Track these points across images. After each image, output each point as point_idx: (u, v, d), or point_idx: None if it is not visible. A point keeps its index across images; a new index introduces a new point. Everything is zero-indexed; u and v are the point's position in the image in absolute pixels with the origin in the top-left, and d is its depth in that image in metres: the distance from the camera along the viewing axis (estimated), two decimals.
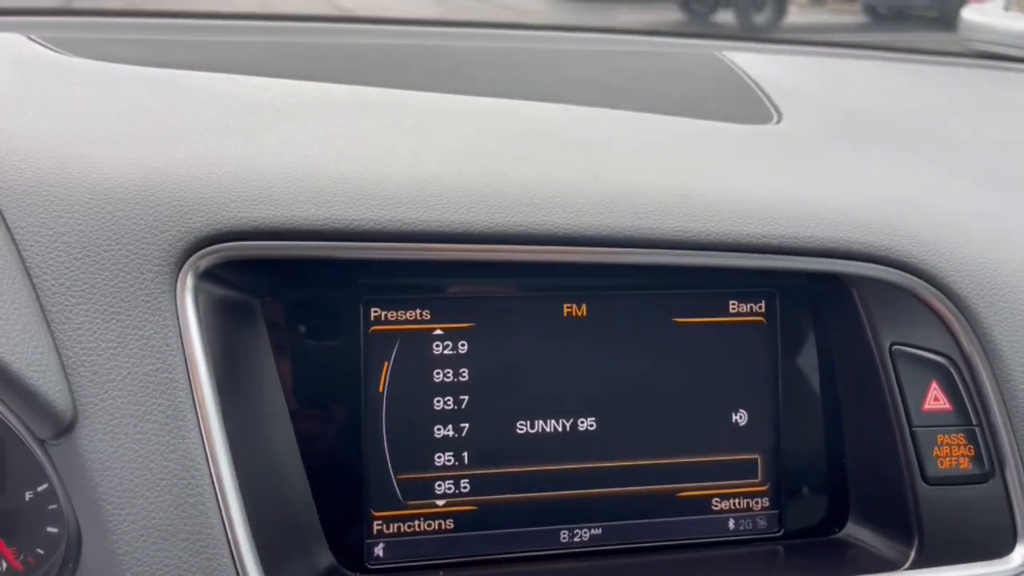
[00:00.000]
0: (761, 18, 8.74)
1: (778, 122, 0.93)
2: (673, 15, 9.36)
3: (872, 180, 0.79)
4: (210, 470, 0.55)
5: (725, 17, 9.08)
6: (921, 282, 0.68)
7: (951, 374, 0.68)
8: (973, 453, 0.68)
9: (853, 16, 10.00)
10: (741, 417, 0.71)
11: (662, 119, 0.88)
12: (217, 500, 0.55)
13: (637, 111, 0.90)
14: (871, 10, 9.77)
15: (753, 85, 1.05)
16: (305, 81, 0.84)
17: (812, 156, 0.85)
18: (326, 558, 0.63)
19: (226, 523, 0.55)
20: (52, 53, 0.85)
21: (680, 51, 1.31)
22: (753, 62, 1.13)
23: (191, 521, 0.55)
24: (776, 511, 0.71)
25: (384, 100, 0.83)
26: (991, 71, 1.35)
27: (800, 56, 1.34)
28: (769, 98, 1.00)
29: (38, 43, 0.87)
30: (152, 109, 0.72)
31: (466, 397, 0.67)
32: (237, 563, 0.55)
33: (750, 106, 0.98)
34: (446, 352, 0.67)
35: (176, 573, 0.54)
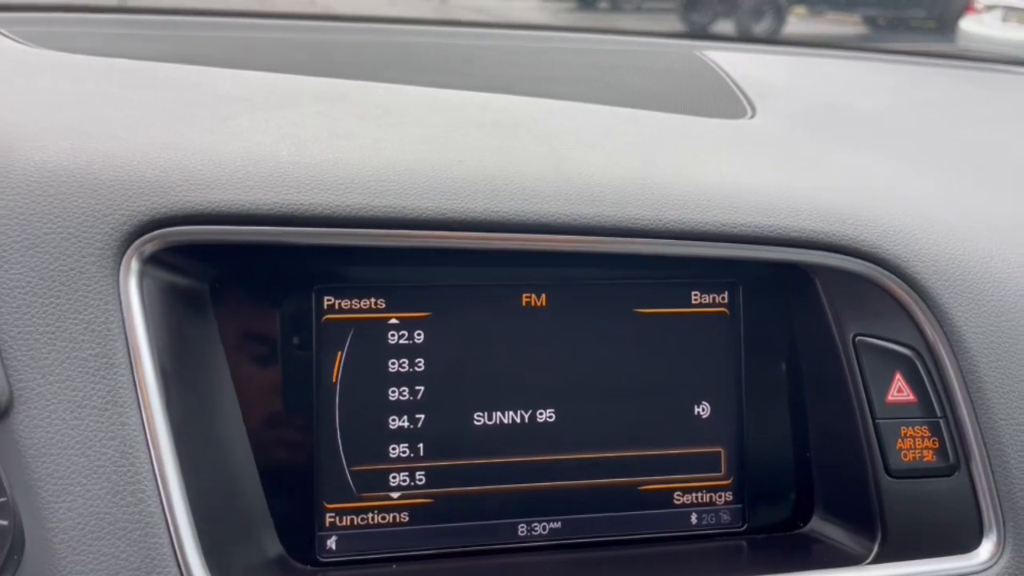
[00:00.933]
0: (760, 29, 8.76)
1: (751, 117, 0.92)
2: (672, 26, 9.38)
3: (838, 172, 0.79)
4: (151, 457, 0.54)
5: (724, 28, 9.10)
6: (885, 272, 0.67)
7: (915, 365, 0.67)
8: (937, 446, 0.66)
9: (853, 27, 10.02)
10: (704, 410, 0.70)
11: (632, 112, 0.87)
12: (158, 488, 0.54)
13: (607, 104, 0.89)
14: (871, 21, 9.79)
15: (730, 82, 1.04)
16: (277, 74, 0.84)
17: (780, 149, 0.84)
18: (275, 550, 0.62)
19: (167, 512, 0.54)
20: (18, 45, 0.85)
21: (660, 50, 1.30)
22: (734, 61, 1.12)
23: (129, 510, 0.53)
24: (739, 506, 0.70)
25: (355, 93, 0.82)
26: (974, 71, 1.34)
27: (782, 56, 1.34)
28: (744, 94, 0.99)
29: (4, 35, 0.86)
30: (115, 98, 0.72)
31: (422, 388, 0.66)
32: (178, 553, 0.54)
33: (724, 102, 0.97)
34: (401, 342, 0.66)
35: (114, 564, 0.53)
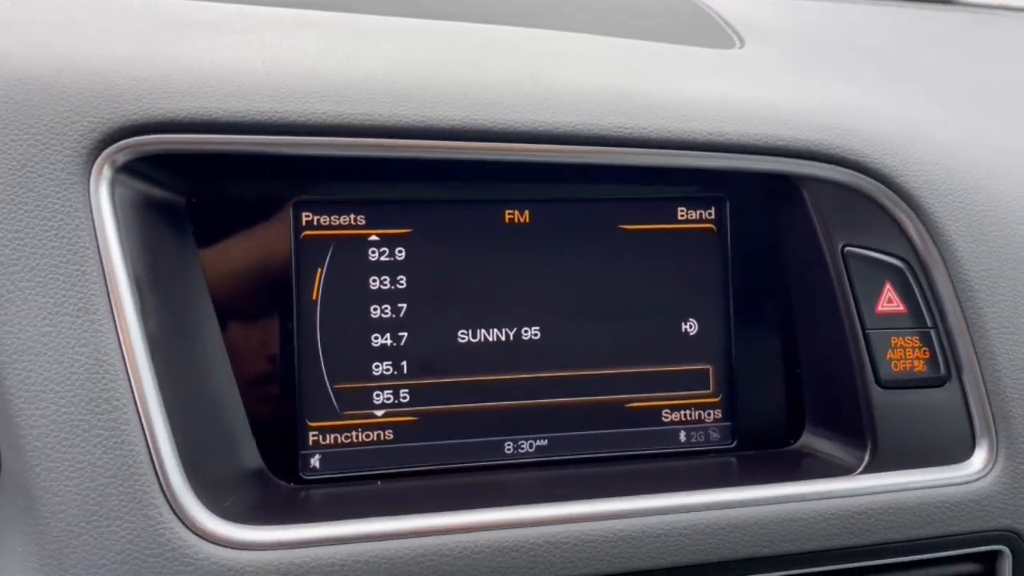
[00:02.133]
0: None
1: (740, 48, 0.91)
2: None
3: (828, 91, 0.77)
4: (126, 366, 0.53)
5: None
6: (874, 182, 0.66)
7: (905, 276, 0.66)
8: (928, 356, 0.65)
9: None
10: (691, 327, 0.69)
11: (616, 39, 0.86)
12: (133, 396, 0.53)
13: (592, 34, 0.87)
14: None
15: (719, 18, 1.02)
16: (247, 5, 0.82)
17: (769, 74, 0.82)
18: (257, 466, 0.61)
19: (143, 419, 0.53)
20: None
21: None
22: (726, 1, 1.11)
23: (104, 417, 0.52)
24: (728, 423, 0.69)
25: (335, 21, 0.80)
26: (970, 14, 1.32)
27: None
28: (733, 28, 0.98)
29: None
30: (83, 21, 0.70)
31: (404, 305, 0.65)
32: (155, 460, 0.53)
33: (713, 34, 0.95)
34: (382, 259, 0.65)
35: (89, 471, 0.52)
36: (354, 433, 0.64)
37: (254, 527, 0.54)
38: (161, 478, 0.53)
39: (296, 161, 0.62)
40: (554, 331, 0.67)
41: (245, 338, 0.62)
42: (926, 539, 0.62)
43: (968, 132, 0.74)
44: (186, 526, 0.53)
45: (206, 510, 0.53)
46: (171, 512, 0.53)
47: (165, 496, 0.53)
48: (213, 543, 0.53)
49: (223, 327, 0.62)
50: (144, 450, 0.53)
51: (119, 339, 0.54)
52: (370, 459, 0.64)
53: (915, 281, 0.66)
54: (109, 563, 0.52)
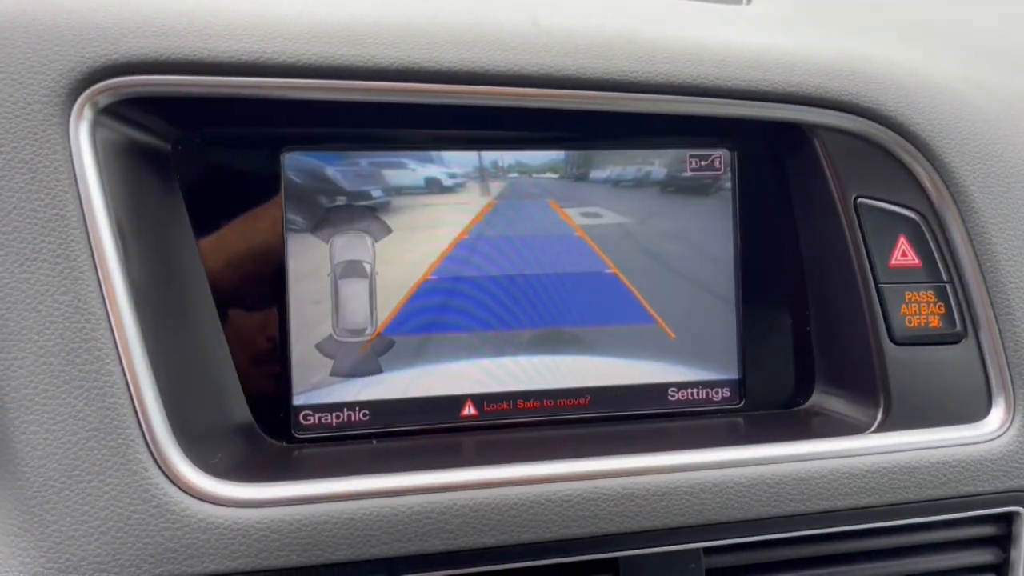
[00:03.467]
0: None
1: (748, 4, 0.88)
2: None
3: (839, 41, 0.74)
4: (107, 314, 0.51)
5: None
6: (888, 131, 0.63)
7: (920, 228, 0.63)
8: (943, 311, 0.63)
9: None
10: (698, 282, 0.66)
11: None
12: (116, 345, 0.51)
13: None
14: None
15: None
16: None
17: (778, 25, 0.80)
18: (247, 423, 0.59)
19: (126, 370, 0.51)
20: None
21: None
22: None
23: (85, 368, 0.50)
24: (737, 380, 0.67)
25: None
26: None
27: None
28: None
29: None
30: None
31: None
32: (139, 414, 0.51)
33: None
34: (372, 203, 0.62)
35: (71, 423, 0.50)
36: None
37: (242, 484, 0.52)
38: (146, 431, 0.51)
39: (286, 108, 0.59)
40: (555, 284, 0.64)
41: (234, 290, 0.60)
42: (940, 499, 0.60)
43: (985, 84, 0.71)
44: (171, 481, 0.51)
45: (192, 466, 0.51)
46: (156, 467, 0.51)
47: (150, 450, 0.51)
48: (199, 499, 0.51)
49: (210, 278, 0.59)
50: (128, 402, 0.51)
51: (101, 286, 0.51)
52: (366, 418, 0.62)
53: (930, 234, 0.63)
54: (91, 519, 0.49)
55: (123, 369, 0.51)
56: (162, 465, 0.51)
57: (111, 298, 0.51)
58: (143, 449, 0.51)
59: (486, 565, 0.54)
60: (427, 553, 0.53)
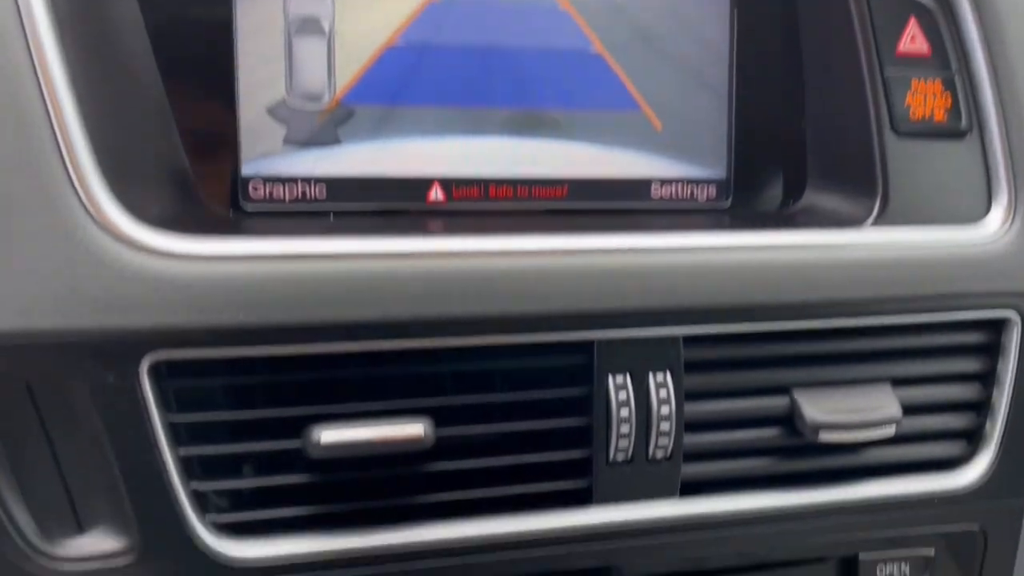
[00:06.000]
0: None
1: None
2: None
3: None
4: (33, 63, 0.44)
5: None
6: None
7: (931, 13, 0.58)
8: (950, 103, 0.59)
9: None
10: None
11: None
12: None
13: None
14: None
15: None
16: None
17: None
18: (188, 185, 0.53)
19: (46, 94, 0.44)
20: None
21: None
22: None
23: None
24: (724, 178, 0.62)
25: None
26: None
27: None
28: None
29: None
30: None
31: None
32: (63, 146, 0.44)
33: None
34: None
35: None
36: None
37: (182, 236, 0.46)
38: (69, 166, 0.44)
39: None
40: (537, 62, 0.59)
41: (175, 38, 0.53)
42: (933, 296, 0.57)
43: None
44: (99, 226, 0.45)
45: (123, 210, 0.45)
46: (82, 208, 0.45)
47: (75, 189, 0.45)
48: (131, 247, 0.45)
49: (148, 22, 0.52)
50: (49, 133, 0.44)
51: (24, 34, 0.44)
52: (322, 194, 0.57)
53: (943, 19, 0.58)
54: (11, 261, 0.44)
55: (41, 92, 0.44)
56: (88, 207, 0.45)
57: (36, 42, 0.45)
58: (67, 187, 0.44)
59: (453, 336, 0.49)
60: (388, 321, 0.48)
